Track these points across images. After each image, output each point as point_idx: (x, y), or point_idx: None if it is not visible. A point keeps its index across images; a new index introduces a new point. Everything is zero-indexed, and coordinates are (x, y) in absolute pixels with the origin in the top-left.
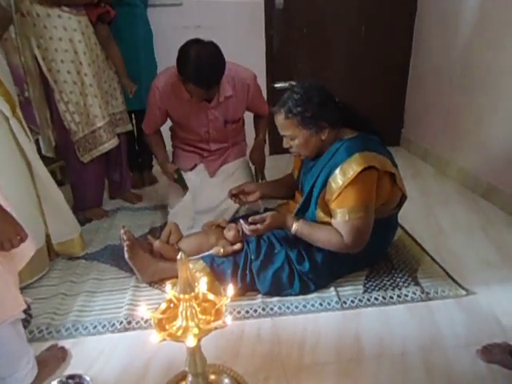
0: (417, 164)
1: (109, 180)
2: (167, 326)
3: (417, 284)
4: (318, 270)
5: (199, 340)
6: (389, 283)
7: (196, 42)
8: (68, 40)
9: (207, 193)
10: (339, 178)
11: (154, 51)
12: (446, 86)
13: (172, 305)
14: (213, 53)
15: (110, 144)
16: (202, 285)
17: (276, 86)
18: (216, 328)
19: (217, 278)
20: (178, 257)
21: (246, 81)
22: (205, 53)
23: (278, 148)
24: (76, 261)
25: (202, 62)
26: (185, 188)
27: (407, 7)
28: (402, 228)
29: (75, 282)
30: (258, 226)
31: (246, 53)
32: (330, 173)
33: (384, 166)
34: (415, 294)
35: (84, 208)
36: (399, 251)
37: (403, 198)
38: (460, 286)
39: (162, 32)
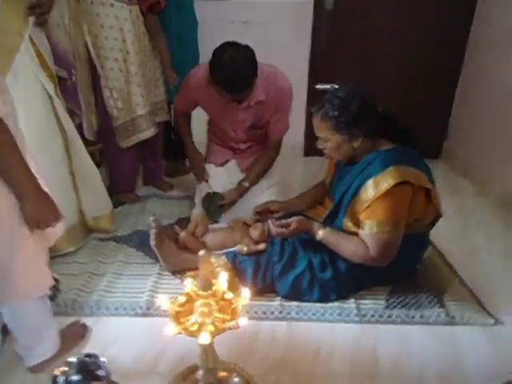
0: (457, 180)
1: (144, 166)
2: (183, 320)
3: (442, 306)
4: (340, 280)
5: (213, 338)
6: (412, 302)
7: (231, 45)
8: (118, 29)
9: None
10: (371, 190)
11: (199, 44)
12: (498, 99)
13: (190, 299)
14: (246, 58)
15: (149, 132)
16: (222, 282)
17: (318, 87)
18: (230, 328)
19: (238, 275)
20: (200, 253)
21: (282, 89)
22: (237, 58)
23: (312, 150)
24: (106, 242)
25: (234, 68)
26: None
27: (463, 13)
28: (433, 245)
29: (103, 262)
30: (284, 229)
31: (290, 51)
32: (362, 183)
33: (419, 182)
34: (439, 316)
35: (118, 191)
36: (427, 269)
37: (438, 215)
38: (489, 313)
39: (208, 25)
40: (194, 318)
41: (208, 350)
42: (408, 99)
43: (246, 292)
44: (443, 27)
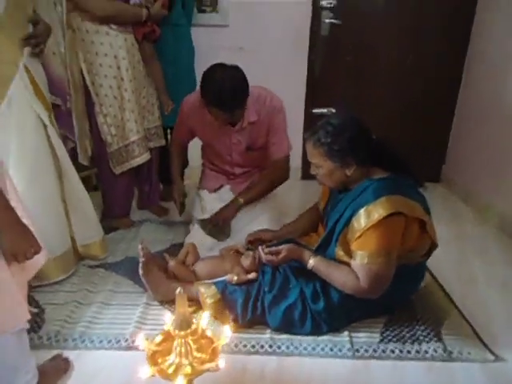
0: (456, 205)
1: (139, 191)
2: (160, 360)
3: (439, 340)
4: (332, 311)
5: (190, 381)
6: (408, 335)
7: (220, 65)
8: (113, 56)
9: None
10: (363, 220)
11: (195, 70)
12: (496, 124)
13: (168, 337)
14: (236, 77)
15: (142, 159)
16: (203, 320)
17: (314, 111)
18: (209, 370)
19: (227, 306)
20: (177, 291)
21: (273, 108)
22: (228, 76)
23: (309, 174)
24: (95, 269)
25: (225, 86)
26: (180, 214)
27: (459, 40)
28: (431, 274)
29: (91, 291)
30: (274, 257)
31: (286, 76)
32: (355, 212)
33: (413, 213)
34: (436, 351)
35: (112, 216)
36: (424, 299)
37: (433, 246)
38: (488, 349)
39: (205, 51)
40: (171, 358)
41: None
42: (406, 123)
43: (227, 331)
44: (440, 52)
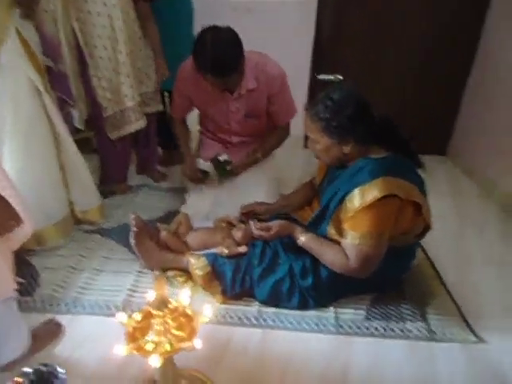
0: (460, 180)
1: (137, 155)
2: (139, 336)
3: (424, 320)
4: (320, 287)
5: (167, 359)
6: (394, 313)
7: (212, 28)
8: (106, 15)
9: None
10: (356, 200)
11: (194, 32)
12: (508, 101)
13: (147, 315)
14: (228, 39)
15: (137, 125)
16: (184, 297)
17: (320, 77)
18: (185, 349)
19: (217, 277)
20: (155, 274)
21: (272, 76)
22: (219, 39)
23: None
24: (91, 234)
25: (216, 50)
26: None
27: (476, 5)
28: (424, 252)
29: (85, 256)
30: (264, 233)
31: (293, 40)
32: (349, 191)
33: (409, 195)
34: (420, 331)
35: (109, 181)
36: (414, 278)
37: (427, 228)
38: (472, 331)
39: (207, 12)
40: (150, 336)
41: (167, 367)
42: (415, 94)
43: (207, 310)
44: (454, 21)
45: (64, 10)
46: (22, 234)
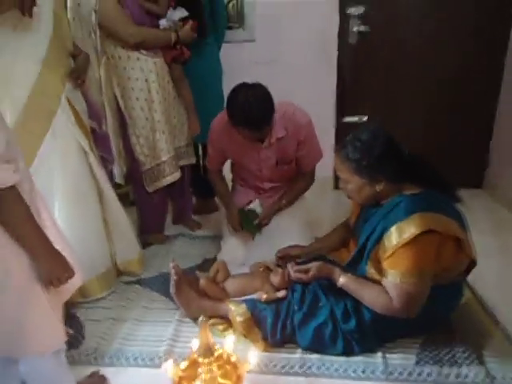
0: (500, 213)
1: (172, 206)
2: None
3: (481, 363)
4: (364, 330)
5: None
6: (447, 358)
7: (243, 85)
8: (144, 80)
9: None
10: (394, 237)
11: (223, 87)
12: None
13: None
14: (260, 94)
15: (172, 177)
16: (228, 344)
17: (346, 120)
18: None
19: (257, 324)
20: (199, 320)
21: (300, 124)
22: (252, 95)
23: None
24: (131, 285)
25: (251, 106)
26: (253, 237)
27: (498, 37)
28: (471, 290)
29: (126, 307)
30: (303, 275)
31: (316, 86)
32: (386, 229)
33: (448, 230)
34: (478, 376)
35: (147, 232)
36: (464, 319)
37: (472, 264)
38: None
39: (232, 67)
40: None
41: None
42: (444, 127)
43: (253, 356)
44: (478, 53)
45: (107, 77)
46: (72, 286)
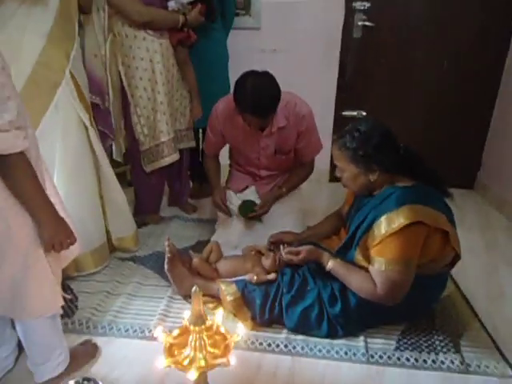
0: (489, 213)
1: (169, 188)
2: (176, 352)
3: (458, 351)
4: (349, 315)
5: (202, 374)
6: (425, 344)
7: (251, 73)
8: (148, 60)
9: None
10: (383, 227)
11: (229, 73)
12: None
13: (185, 331)
14: (268, 82)
15: (171, 158)
16: (218, 317)
17: (344, 114)
18: (220, 365)
19: (246, 304)
20: (192, 290)
21: (300, 114)
22: (260, 83)
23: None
24: (125, 261)
25: (258, 92)
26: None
27: (498, 42)
28: (455, 283)
29: (120, 282)
30: (294, 257)
31: (317, 77)
32: (376, 218)
33: (436, 223)
34: (453, 362)
35: (142, 212)
36: (445, 310)
37: (457, 257)
38: (509, 364)
39: (238, 54)
40: (186, 351)
41: (201, 382)
42: (440, 128)
43: (241, 329)
44: (478, 55)
45: (112, 55)
46: (70, 254)
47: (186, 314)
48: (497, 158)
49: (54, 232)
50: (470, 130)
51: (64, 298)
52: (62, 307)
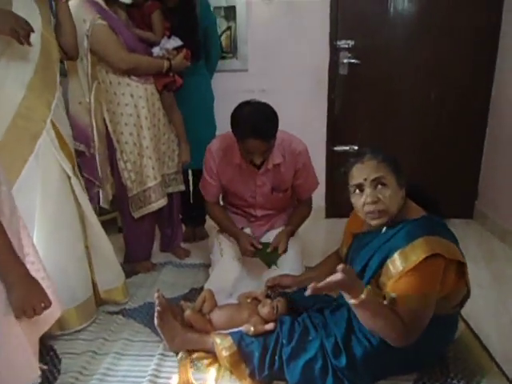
0: (492, 243)
1: (161, 233)
2: None
3: None
4: (355, 368)
5: None
6: None
7: (246, 102)
8: (133, 105)
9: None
10: (399, 263)
11: (214, 115)
12: None
13: None
14: (266, 107)
15: (158, 204)
16: (210, 382)
17: (336, 149)
18: None
19: (244, 359)
20: (178, 357)
21: (296, 151)
22: (257, 106)
23: (333, 211)
24: (114, 316)
25: (257, 114)
26: (269, 264)
27: (483, 70)
28: (466, 323)
29: (107, 339)
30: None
31: (308, 115)
32: (389, 255)
33: (452, 255)
34: None
35: (133, 260)
36: (459, 354)
37: (467, 295)
38: None
39: (226, 95)
40: None
41: None
42: (433, 159)
43: None
44: (464, 85)
45: (97, 102)
46: (50, 318)
47: (174, 380)
48: (493, 186)
49: (24, 296)
50: (463, 160)
51: (41, 368)
52: (43, 372)
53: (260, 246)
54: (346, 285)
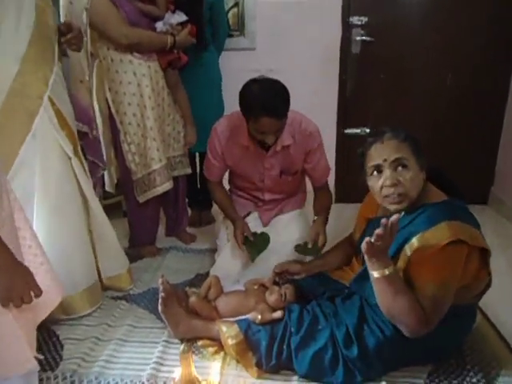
0: (508, 230)
1: (166, 217)
2: None
3: None
4: (367, 358)
5: None
6: None
7: (254, 79)
8: (136, 84)
9: None
10: (418, 248)
11: (222, 94)
12: None
13: None
14: (276, 82)
15: (163, 187)
16: (214, 374)
17: (347, 131)
18: None
19: (250, 347)
20: (180, 349)
21: (307, 131)
22: (267, 83)
23: (343, 196)
24: (118, 301)
25: (268, 90)
26: (252, 257)
27: (502, 50)
28: (483, 313)
29: (111, 325)
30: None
31: (317, 96)
32: (407, 240)
33: (476, 241)
34: None
35: (138, 244)
36: (476, 345)
37: (488, 285)
38: None
39: (233, 75)
40: None
41: None
42: (448, 143)
43: None
44: (482, 66)
45: (98, 81)
46: (49, 305)
47: (177, 372)
48: (510, 172)
49: (9, 284)
50: (479, 144)
51: (37, 358)
52: (45, 359)
53: (252, 238)
54: (380, 249)
